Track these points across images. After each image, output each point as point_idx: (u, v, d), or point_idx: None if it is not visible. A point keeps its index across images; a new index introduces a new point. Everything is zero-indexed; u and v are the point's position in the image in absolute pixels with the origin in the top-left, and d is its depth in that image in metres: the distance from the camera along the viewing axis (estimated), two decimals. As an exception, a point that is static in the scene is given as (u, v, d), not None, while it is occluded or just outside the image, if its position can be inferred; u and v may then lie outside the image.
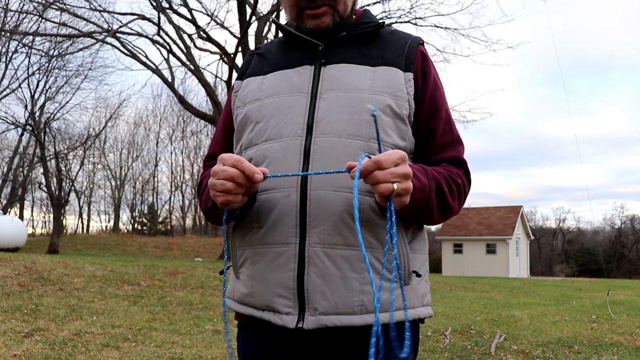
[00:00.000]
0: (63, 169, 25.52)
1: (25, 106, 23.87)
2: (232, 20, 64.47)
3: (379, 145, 1.03)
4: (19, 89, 24.16)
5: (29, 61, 23.28)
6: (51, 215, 30.73)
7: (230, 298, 1.30)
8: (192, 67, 17.73)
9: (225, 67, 18.59)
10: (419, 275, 1.20)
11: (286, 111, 1.22)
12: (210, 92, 18.00)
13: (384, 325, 1.13)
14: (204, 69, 18.93)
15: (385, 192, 0.98)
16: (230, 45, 22.17)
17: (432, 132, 1.25)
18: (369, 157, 1.00)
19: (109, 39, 17.38)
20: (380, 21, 1.31)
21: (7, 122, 23.49)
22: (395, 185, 0.98)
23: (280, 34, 1.40)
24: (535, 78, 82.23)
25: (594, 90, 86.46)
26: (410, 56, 1.25)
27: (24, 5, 18.28)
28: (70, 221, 48.59)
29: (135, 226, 42.60)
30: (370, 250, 1.14)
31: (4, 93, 23.25)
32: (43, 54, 22.05)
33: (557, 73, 76.79)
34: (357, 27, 1.29)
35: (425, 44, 1.35)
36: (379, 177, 0.98)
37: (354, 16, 1.35)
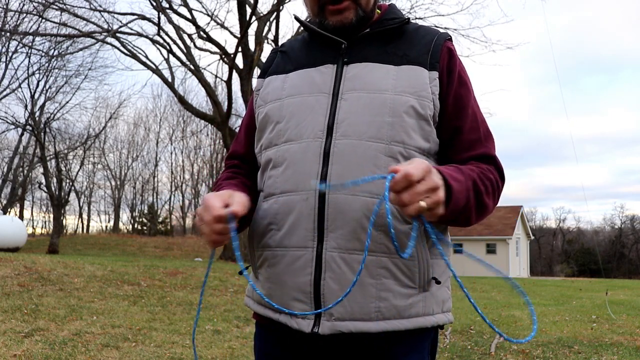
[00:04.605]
0: (63, 169, 25.53)
1: (25, 106, 23.90)
2: (232, 20, 64.54)
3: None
4: (19, 89, 24.21)
5: (29, 61, 23.33)
6: (51, 215, 30.73)
7: (250, 297, 1.31)
8: (192, 67, 17.72)
9: (225, 67, 18.60)
10: (438, 282, 1.17)
11: (307, 112, 1.19)
12: (210, 92, 17.99)
13: (399, 332, 1.13)
14: (204, 69, 18.95)
15: (415, 213, 0.94)
16: (230, 45, 22.15)
17: (458, 130, 1.21)
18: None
19: (109, 39, 17.39)
20: (405, 17, 1.27)
21: (7, 122, 23.54)
22: (423, 203, 0.93)
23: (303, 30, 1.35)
24: (544, 77, 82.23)
25: (603, 88, 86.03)
26: (436, 54, 1.20)
27: (24, 5, 18.31)
28: (70, 221, 48.52)
29: (135, 226, 42.58)
30: (388, 256, 1.12)
31: (4, 93, 23.26)
32: (43, 54, 22.09)
33: (566, 71, 76.78)
34: (381, 23, 1.25)
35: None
36: (405, 200, 0.93)
37: (378, 11, 1.31)
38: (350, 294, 1.11)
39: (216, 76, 19.58)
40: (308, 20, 1.33)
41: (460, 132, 1.21)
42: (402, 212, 0.95)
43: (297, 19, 1.41)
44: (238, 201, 1.09)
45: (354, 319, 1.11)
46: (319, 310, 1.11)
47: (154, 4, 16.26)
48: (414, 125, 1.15)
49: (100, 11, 17.03)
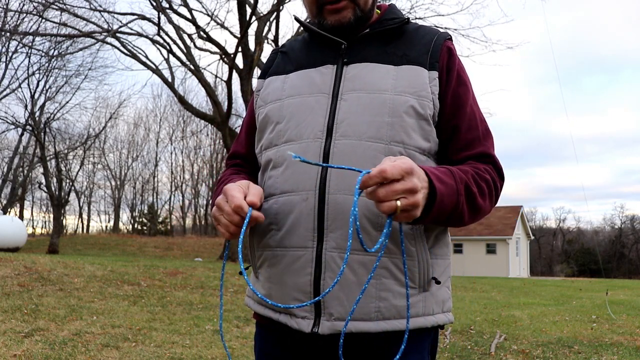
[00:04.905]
0: (63, 169, 25.53)
1: (25, 106, 23.90)
2: (232, 20, 64.58)
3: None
4: (19, 89, 24.23)
5: (29, 61, 23.34)
6: (51, 215, 30.73)
7: (250, 297, 1.31)
8: (192, 67, 17.73)
9: (225, 67, 18.60)
10: (438, 282, 1.17)
11: (307, 112, 1.19)
12: (210, 92, 18.00)
13: (400, 331, 1.13)
14: (204, 69, 18.95)
15: (388, 211, 0.94)
16: (230, 45, 22.19)
17: (456, 129, 1.20)
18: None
19: (109, 39, 17.40)
20: (405, 17, 1.26)
21: (7, 122, 23.54)
22: (398, 202, 0.93)
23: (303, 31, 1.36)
24: (545, 77, 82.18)
25: (604, 88, 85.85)
26: (436, 53, 1.20)
27: (24, 5, 18.32)
28: (70, 221, 48.58)
29: (135, 226, 42.60)
30: (388, 256, 1.12)
31: (4, 93, 23.28)
32: (43, 54, 22.09)
33: (566, 71, 76.79)
34: (381, 23, 1.26)
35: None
36: (380, 196, 0.94)
37: (378, 11, 1.31)
38: (350, 294, 1.11)
39: (216, 76, 19.61)
40: (308, 21, 1.34)
41: (458, 131, 1.21)
42: (376, 207, 0.96)
43: (297, 19, 1.41)
44: (254, 192, 1.09)
45: (354, 319, 1.12)
46: (313, 301, 1.10)
47: (154, 4, 16.26)
48: (413, 125, 1.15)
49: (100, 11, 17.05)
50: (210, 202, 1.31)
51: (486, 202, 1.16)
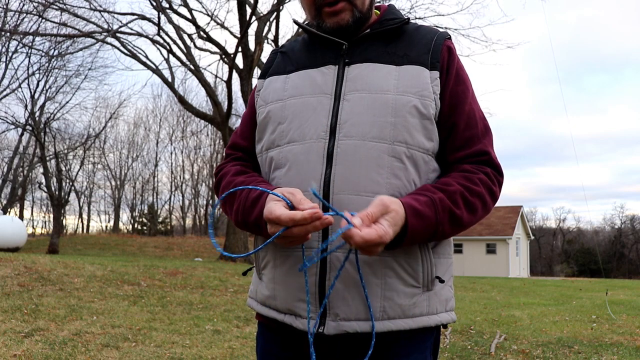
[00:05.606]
0: (63, 169, 25.49)
1: (25, 106, 23.88)
2: (232, 20, 64.60)
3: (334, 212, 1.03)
4: (19, 89, 24.20)
5: (29, 61, 23.31)
6: (51, 215, 30.74)
7: (253, 298, 1.30)
8: (192, 67, 17.73)
9: (225, 67, 18.61)
10: (442, 281, 1.18)
11: (309, 112, 1.20)
12: (210, 92, 18.00)
13: (404, 331, 1.14)
14: (204, 69, 19.00)
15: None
16: (230, 45, 22.21)
17: (454, 126, 1.21)
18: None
19: (109, 39, 17.41)
20: (405, 17, 1.27)
21: (7, 122, 23.52)
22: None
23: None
24: (547, 76, 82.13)
25: (606, 87, 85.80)
26: (437, 53, 1.21)
27: (24, 5, 18.33)
28: (70, 221, 48.60)
29: (135, 226, 42.60)
30: (392, 256, 1.13)
31: (4, 93, 23.27)
32: (43, 54, 22.08)
33: (569, 70, 76.73)
34: (381, 24, 1.26)
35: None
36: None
37: (377, 12, 1.32)
38: (355, 294, 1.12)
39: (216, 76, 19.64)
40: (306, 23, 1.34)
41: (456, 130, 1.21)
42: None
43: (296, 22, 1.41)
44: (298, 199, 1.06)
45: (360, 319, 1.12)
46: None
47: (154, 4, 16.27)
48: (416, 125, 1.16)
49: (100, 11, 17.06)
50: (219, 193, 1.30)
51: (477, 214, 1.18)
